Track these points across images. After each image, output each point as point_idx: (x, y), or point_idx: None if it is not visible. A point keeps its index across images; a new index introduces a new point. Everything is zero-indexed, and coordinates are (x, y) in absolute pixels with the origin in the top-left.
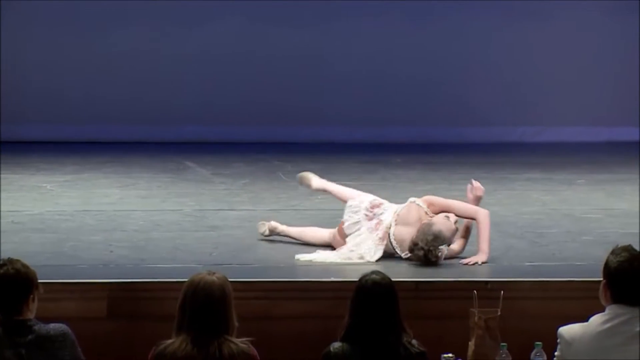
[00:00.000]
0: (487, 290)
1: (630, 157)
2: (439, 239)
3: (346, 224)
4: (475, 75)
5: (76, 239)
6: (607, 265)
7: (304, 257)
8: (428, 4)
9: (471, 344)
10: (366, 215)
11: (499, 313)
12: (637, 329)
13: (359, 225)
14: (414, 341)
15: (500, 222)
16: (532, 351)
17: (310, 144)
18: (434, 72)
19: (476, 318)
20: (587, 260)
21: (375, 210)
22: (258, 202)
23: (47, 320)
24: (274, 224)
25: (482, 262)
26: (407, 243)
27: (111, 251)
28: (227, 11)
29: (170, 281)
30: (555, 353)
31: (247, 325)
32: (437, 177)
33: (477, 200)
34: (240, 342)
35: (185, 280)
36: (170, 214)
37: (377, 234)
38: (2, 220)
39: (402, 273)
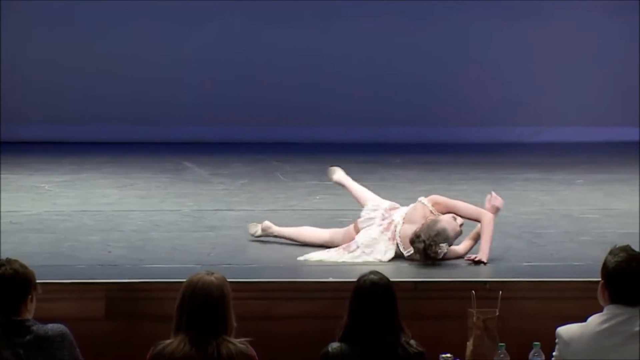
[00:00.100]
0: (485, 291)
1: (629, 157)
2: (442, 236)
3: (362, 218)
4: (475, 76)
5: (74, 239)
6: (605, 266)
7: (313, 256)
8: (428, 4)
9: (469, 344)
10: (382, 214)
11: (497, 313)
12: (635, 329)
13: (372, 222)
14: (412, 341)
15: (499, 222)
16: (530, 351)
17: (309, 144)
18: (433, 72)
19: (474, 318)
20: (585, 261)
21: (391, 212)
22: (256, 202)
23: (46, 320)
24: (267, 223)
25: (481, 262)
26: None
27: (109, 251)
28: (227, 11)
29: (168, 281)
30: (554, 353)
31: (245, 326)
32: (436, 177)
33: (494, 211)
34: (238, 343)
35: (184, 280)
36: (168, 214)
37: (387, 235)
38: (0, 221)
39: (400, 273)
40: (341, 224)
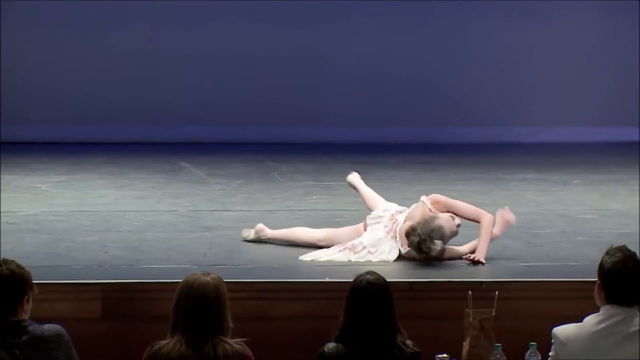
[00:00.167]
0: (481, 291)
1: (627, 158)
2: (437, 233)
3: (372, 215)
4: (474, 76)
5: (71, 239)
6: (601, 266)
7: (319, 256)
8: (428, 4)
9: (466, 345)
10: (391, 216)
11: (494, 313)
12: (632, 329)
13: (380, 220)
14: (408, 342)
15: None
16: (526, 351)
17: (309, 144)
18: (433, 72)
19: (471, 318)
20: (582, 261)
21: (400, 214)
22: (253, 202)
23: (42, 321)
24: (260, 226)
25: (480, 262)
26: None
27: (106, 252)
28: (227, 11)
29: (164, 282)
30: (550, 353)
31: (241, 326)
32: (433, 177)
33: (505, 226)
34: (234, 343)
35: (180, 280)
36: (165, 215)
37: (391, 235)
38: None
39: (396, 273)
40: (337, 224)
